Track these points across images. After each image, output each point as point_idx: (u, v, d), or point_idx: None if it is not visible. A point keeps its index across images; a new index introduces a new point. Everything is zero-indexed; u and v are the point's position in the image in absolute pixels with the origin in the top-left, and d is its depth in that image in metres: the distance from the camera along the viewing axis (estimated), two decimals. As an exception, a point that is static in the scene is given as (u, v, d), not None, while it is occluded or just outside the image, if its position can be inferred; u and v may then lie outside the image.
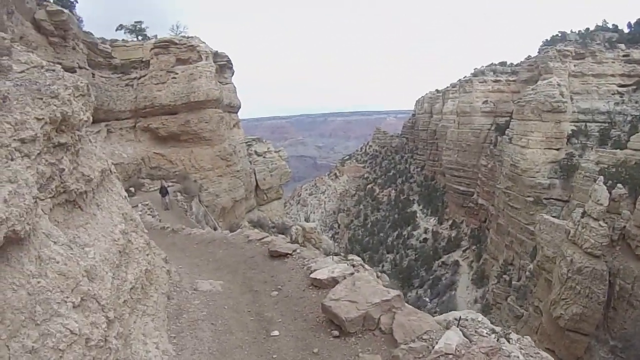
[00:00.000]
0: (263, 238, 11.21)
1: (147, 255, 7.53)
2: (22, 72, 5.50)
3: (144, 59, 33.92)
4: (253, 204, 44.20)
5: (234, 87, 43.34)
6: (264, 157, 48.14)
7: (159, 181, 29.21)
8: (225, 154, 35.96)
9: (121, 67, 32.58)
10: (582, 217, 27.93)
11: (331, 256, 10.23)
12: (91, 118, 6.72)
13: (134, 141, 32.77)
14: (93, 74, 27.79)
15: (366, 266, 11.59)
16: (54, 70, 5.98)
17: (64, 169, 5.40)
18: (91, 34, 29.73)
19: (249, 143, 47.61)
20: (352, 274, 7.40)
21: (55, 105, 5.34)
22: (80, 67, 24.75)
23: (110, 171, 7.93)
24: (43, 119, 5.05)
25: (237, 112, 44.26)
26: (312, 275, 8.00)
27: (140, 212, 19.04)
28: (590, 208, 27.32)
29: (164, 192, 23.90)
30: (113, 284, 5.42)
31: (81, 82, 6.25)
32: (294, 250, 9.80)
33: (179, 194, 27.31)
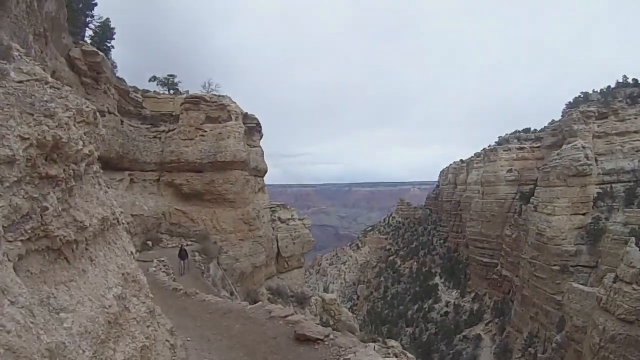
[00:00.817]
0: (288, 316, 9.58)
1: (148, 327, 6.04)
2: (21, 82, 4.59)
3: (173, 113, 34.34)
4: (273, 271, 42.58)
5: (262, 150, 43.20)
6: (287, 224, 47.41)
7: (178, 238, 28.13)
8: (249, 218, 35.01)
9: (150, 118, 32.88)
10: (614, 282, 27.21)
11: (371, 344, 8.41)
12: (95, 154, 5.60)
13: (156, 194, 32.20)
14: (122, 121, 27.77)
15: (408, 354, 9.70)
16: (58, 89, 4.96)
17: (47, 208, 4.15)
18: (124, 80, 30.10)
19: (273, 209, 47.03)
20: (405, 369, 5.67)
21: (47, 125, 4.25)
22: (109, 112, 24.65)
23: (118, 222, 6.65)
24: (28, 138, 3.98)
25: (263, 177, 43.75)
26: (353, 372, 6.26)
27: (154, 268, 17.86)
28: (623, 272, 26.63)
29: (183, 254, 22.17)
30: (90, 369, 3.94)
31: (87, 107, 5.17)
32: (327, 336, 8.14)
33: (197, 253, 25.89)
